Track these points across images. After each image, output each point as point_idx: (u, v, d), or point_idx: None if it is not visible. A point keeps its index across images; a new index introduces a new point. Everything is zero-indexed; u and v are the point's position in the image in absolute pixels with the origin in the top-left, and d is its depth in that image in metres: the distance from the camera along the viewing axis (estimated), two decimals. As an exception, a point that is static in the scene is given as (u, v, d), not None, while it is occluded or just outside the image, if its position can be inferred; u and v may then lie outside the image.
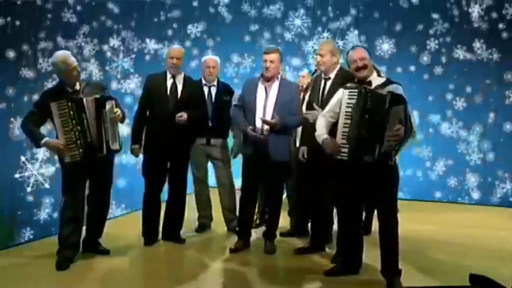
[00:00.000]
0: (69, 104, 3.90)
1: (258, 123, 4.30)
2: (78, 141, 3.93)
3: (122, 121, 4.28)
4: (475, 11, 6.71)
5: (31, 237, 4.80)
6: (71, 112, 3.90)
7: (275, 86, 4.36)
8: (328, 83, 4.24)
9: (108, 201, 4.34)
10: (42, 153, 4.87)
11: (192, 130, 4.64)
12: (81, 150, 3.94)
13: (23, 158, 4.77)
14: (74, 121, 3.91)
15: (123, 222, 5.38)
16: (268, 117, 4.26)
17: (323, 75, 4.31)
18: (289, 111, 4.31)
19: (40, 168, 4.88)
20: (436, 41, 6.88)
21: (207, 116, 4.92)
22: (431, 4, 6.90)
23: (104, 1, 5.80)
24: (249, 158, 4.44)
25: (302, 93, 4.69)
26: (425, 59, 6.91)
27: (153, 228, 4.65)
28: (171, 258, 4.44)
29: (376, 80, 3.70)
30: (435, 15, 6.88)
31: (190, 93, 4.62)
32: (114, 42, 5.89)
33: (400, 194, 4.54)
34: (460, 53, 6.79)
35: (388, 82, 3.67)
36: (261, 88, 4.38)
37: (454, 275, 3.90)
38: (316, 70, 5.03)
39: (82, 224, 4.17)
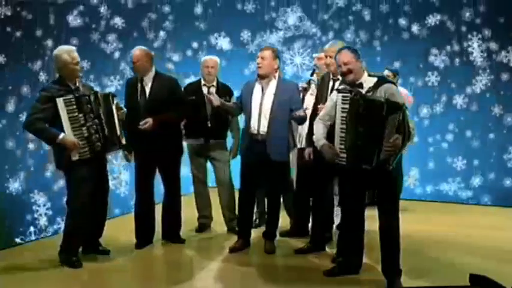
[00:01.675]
0: (87, 97, 3.91)
1: (254, 123, 4.31)
2: (94, 136, 3.92)
3: (123, 119, 4.28)
4: (476, 50, 6.60)
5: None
6: (89, 106, 3.90)
7: (272, 85, 4.35)
8: (337, 83, 4.16)
9: (108, 200, 4.33)
10: (44, 220, 4.81)
11: (176, 130, 4.56)
12: (98, 143, 3.94)
13: (32, 228, 4.72)
14: (91, 114, 3.91)
15: (123, 222, 5.37)
16: (267, 115, 4.27)
17: (331, 76, 4.26)
18: (289, 110, 4.30)
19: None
20: (438, 78, 6.76)
21: (207, 116, 4.91)
22: (432, 41, 6.77)
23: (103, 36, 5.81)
24: (247, 157, 4.44)
25: (302, 94, 4.69)
26: (425, 111, 6.82)
27: (144, 231, 4.57)
28: (171, 258, 4.44)
29: (367, 81, 3.61)
30: (434, 50, 6.76)
31: (160, 91, 4.40)
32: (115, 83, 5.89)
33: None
34: (458, 100, 6.72)
35: (380, 82, 3.60)
36: (257, 87, 4.38)
37: (454, 275, 3.89)
38: (313, 72, 4.99)
39: (86, 231, 4.10)
